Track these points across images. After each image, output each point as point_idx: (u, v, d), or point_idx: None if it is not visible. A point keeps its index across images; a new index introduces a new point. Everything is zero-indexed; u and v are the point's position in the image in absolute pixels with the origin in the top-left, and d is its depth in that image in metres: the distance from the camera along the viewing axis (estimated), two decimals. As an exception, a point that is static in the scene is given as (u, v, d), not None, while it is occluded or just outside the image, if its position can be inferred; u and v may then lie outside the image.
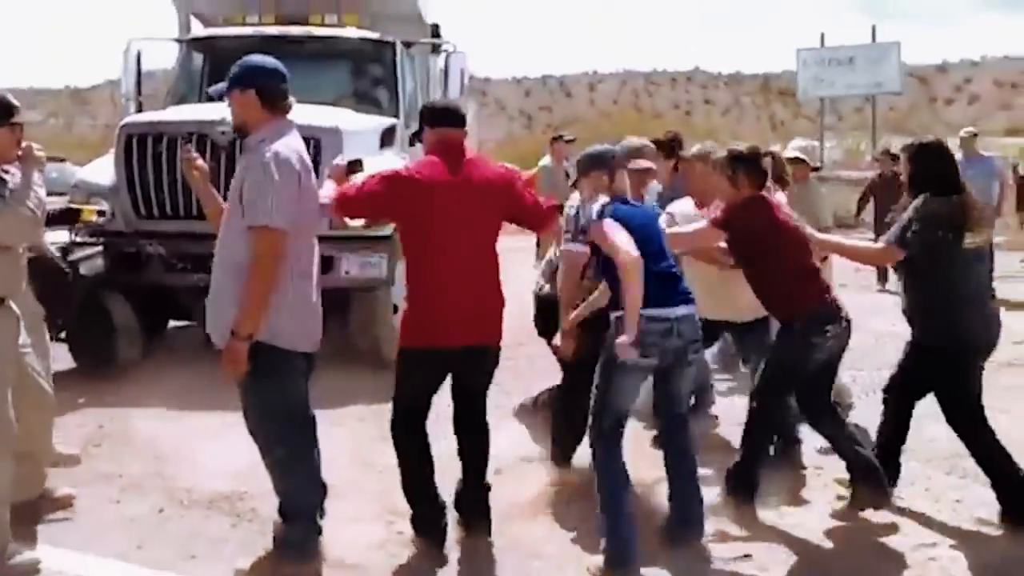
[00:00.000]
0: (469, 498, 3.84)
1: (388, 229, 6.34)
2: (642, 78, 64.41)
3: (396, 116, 7.31)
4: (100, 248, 6.22)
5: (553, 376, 4.86)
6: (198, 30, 8.08)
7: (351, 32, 7.48)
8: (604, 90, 62.43)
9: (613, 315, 3.63)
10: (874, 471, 4.01)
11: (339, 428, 5.09)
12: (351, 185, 3.73)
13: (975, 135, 10.45)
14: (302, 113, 6.53)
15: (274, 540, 3.57)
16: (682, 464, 3.84)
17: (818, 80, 19.95)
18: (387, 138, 7.04)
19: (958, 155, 10.05)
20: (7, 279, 3.55)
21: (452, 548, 3.76)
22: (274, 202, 3.25)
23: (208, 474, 4.56)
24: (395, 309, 6.65)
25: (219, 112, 5.24)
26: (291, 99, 3.52)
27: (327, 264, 6.24)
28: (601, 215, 3.63)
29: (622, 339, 3.45)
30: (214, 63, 7.64)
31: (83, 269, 6.06)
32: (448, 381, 3.81)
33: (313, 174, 3.52)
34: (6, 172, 3.53)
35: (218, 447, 4.68)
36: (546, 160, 9.66)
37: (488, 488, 3.89)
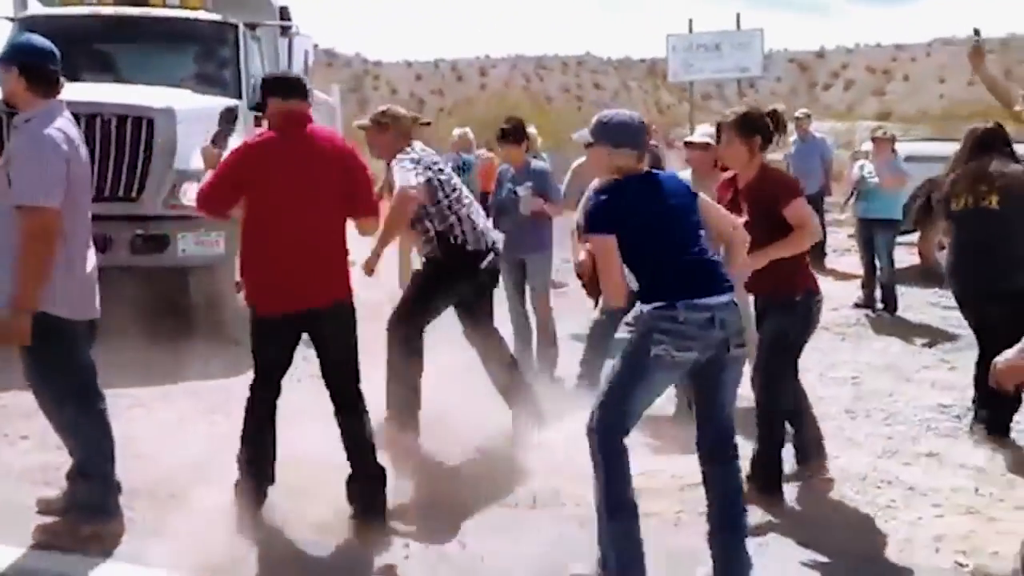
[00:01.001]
0: (360, 489, 3.84)
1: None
2: (533, 62, 65.04)
3: (239, 97, 7.41)
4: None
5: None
6: (35, 8, 7.98)
7: (191, 14, 7.53)
8: (496, 74, 62.82)
9: (644, 308, 3.30)
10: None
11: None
12: (204, 182, 3.89)
13: (808, 116, 11.21)
14: (136, 94, 6.70)
15: (73, 503, 3.73)
16: (729, 511, 3.37)
17: (687, 65, 20.67)
18: (227, 118, 7.12)
19: (793, 136, 10.81)
20: None
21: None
22: (44, 181, 3.37)
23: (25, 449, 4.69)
24: (238, 287, 6.81)
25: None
26: (62, 80, 3.63)
27: (162, 243, 6.39)
28: (593, 223, 3.35)
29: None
30: (52, 43, 7.56)
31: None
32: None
33: (84, 152, 3.64)
34: None
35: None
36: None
37: (382, 473, 3.89)
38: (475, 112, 39.14)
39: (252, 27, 7.77)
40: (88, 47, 7.55)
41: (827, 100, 57.17)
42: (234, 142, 6.85)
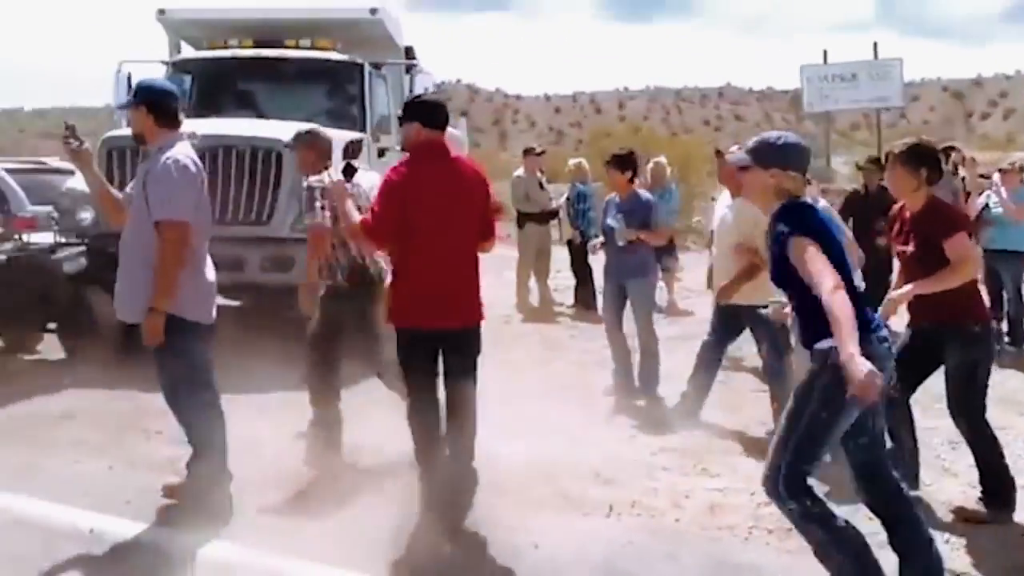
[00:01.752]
0: (457, 482, 4.13)
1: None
2: (672, 95, 64.87)
3: (364, 131, 7.93)
4: (83, 248, 6.90)
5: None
6: (187, 52, 8.81)
7: (321, 54, 8.14)
8: (634, 107, 62.98)
9: (822, 346, 3.06)
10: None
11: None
12: (365, 218, 4.07)
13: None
14: (266, 128, 7.29)
15: (190, 487, 4.18)
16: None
17: (823, 95, 20.33)
18: (351, 150, 7.64)
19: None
20: None
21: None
22: (178, 199, 3.90)
23: (159, 443, 5.22)
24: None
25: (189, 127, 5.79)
26: (181, 115, 4.15)
27: (288, 263, 6.90)
28: (801, 225, 3.09)
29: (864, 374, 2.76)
30: (199, 83, 8.36)
31: (67, 267, 6.76)
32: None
33: (204, 176, 4.13)
34: None
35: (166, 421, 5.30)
36: (520, 171, 10.22)
37: (474, 475, 4.17)
38: (610, 144, 39.36)
39: (377, 66, 8.32)
40: (230, 86, 8.28)
41: (984, 129, 54.44)
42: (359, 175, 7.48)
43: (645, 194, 6.56)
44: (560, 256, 10.51)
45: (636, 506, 4.40)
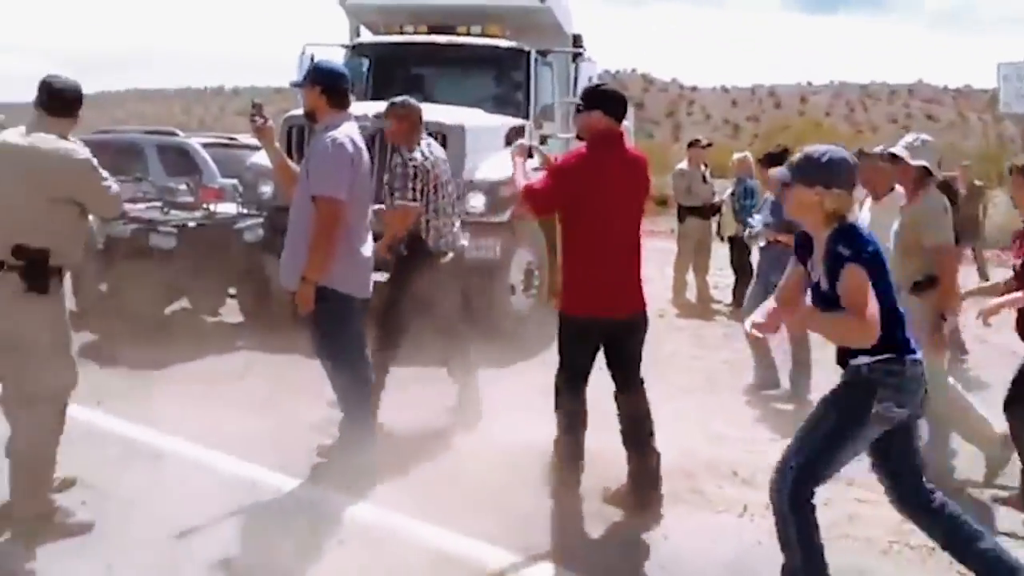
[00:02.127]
0: (637, 469, 4.16)
1: (505, 215, 7.14)
2: (858, 90, 61.90)
3: (527, 118, 8.08)
4: (261, 219, 7.39)
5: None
6: (365, 37, 9.22)
7: (489, 41, 8.33)
8: (816, 102, 60.55)
9: (858, 362, 3.10)
10: None
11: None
12: (533, 181, 4.11)
13: None
14: (433, 111, 7.54)
15: (341, 446, 4.46)
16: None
17: (1019, 95, 18.94)
18: (513, 137, 7.82)
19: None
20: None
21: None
22: (334, 177, 4.12)
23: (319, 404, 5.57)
24: (512, 290, 7.45)
25: (362, 108, 6.08)
26: (351, 96, 4.38)
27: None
28: (858, 253, 3.00)
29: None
30: (375, 66, 8.74)
31: (247, 236, 7.26)
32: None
33: (366, 156, 4.34)
34: None
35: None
36: (683, 164, 10.10)
37: (657, 456, 4.20)
38: (788, 139, 38.07)
39: (543, 53, 8.43)
40: (404, 70, 8.62)
41: None
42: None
43: None
44: (721, 252, 10.33)
45: (771, 508, 4.32)
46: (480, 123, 7.44)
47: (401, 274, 5.20)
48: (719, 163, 12.05)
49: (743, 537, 4.01)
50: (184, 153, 10.52)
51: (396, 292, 5.17)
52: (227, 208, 7.62)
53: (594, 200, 3.95)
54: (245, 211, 7.54)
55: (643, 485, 4.15)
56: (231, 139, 11.89)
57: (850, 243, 3.01)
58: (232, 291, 7.73)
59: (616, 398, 4.21)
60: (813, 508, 3.18)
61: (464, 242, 5.65)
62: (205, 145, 10.80)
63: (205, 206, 7.47)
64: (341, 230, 4.18)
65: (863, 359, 3.05)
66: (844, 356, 3.17)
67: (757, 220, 6.14)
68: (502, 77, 8.47)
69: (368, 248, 4.41)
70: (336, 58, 8.56)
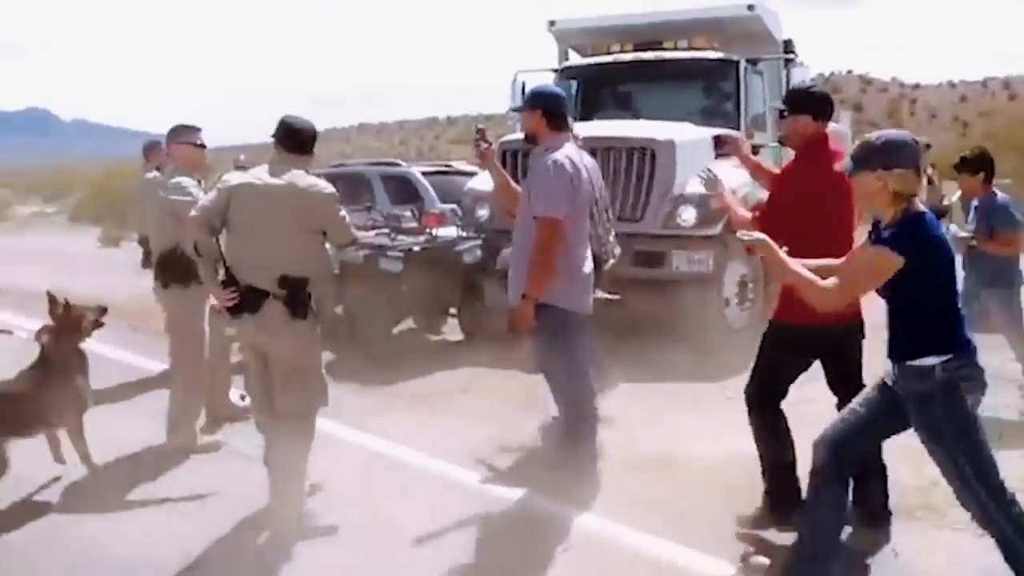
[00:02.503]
0: (863, 489, 3.90)
1: (716, 229, 7.09)
2: (1120, 77, 55.83)
3: (738, 128, 7.98)
4: (479, 242, 7.73)
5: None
6: (573, 60, 9.44)
7: (697, 54, 8.29)
8: (1062, 93, 55.13)
9: (925, 363, 3.06)
10: None
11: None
12: (759, 214, 4.01)
13: None
14: (642, 128, 7.62)
15: (562, 452, 4.62)
16: None
17: None
18: (718, 145, 7.75)
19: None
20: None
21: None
22: (553, 197, 4.26)
23: (539, 417, 5.76)
24: (726, 303, 7.37)
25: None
26: (569, 118, 4.51)
27: (660, 259, 7.19)
28: (898, 241, 3.04)
29: None
30: (583, 87, 8.93)
31: (466, 258, 7.62)
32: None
33: (586, 176, 4.45)
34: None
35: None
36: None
37: (883, 469, 3.98)
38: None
39: (753, 62, 8.30)
40: (611, 89, 8.75)
41: None
42: (725, 169, 7.57)
43: (1003, 197, 5.95)
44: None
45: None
46: (690, 137, 7.43)
47: None
48: (947, 164, 11.29)
49: (980, 559, 3.76)
50: (406, 182, 11.19)
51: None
52: (448, 232, 8.04)
53: (812, 209, 3.84)
54: (464, 234, 7.91)
55: (870, 500, 4.00)
56: (447, 166, 12.52)
57: (902, 229, 3.02)
58: (453, 311, 8.13)
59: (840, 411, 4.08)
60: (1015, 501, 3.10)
61: (617, 250, 5.65)
62: (424, 173, 11.44)
63: (428, 231, 7.91)
64: (561, 248, 4.31)
65: (933, 359, 3.03)
66: (903, 352, 3.13)
67: (954, 228, 5.78)
68: (711, 89, 8.41)
69: (588, 265, 4.52)
70: (547, 82, 8.84)
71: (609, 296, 5.56)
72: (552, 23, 9.44)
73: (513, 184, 4.91)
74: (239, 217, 4.05)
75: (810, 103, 3.96)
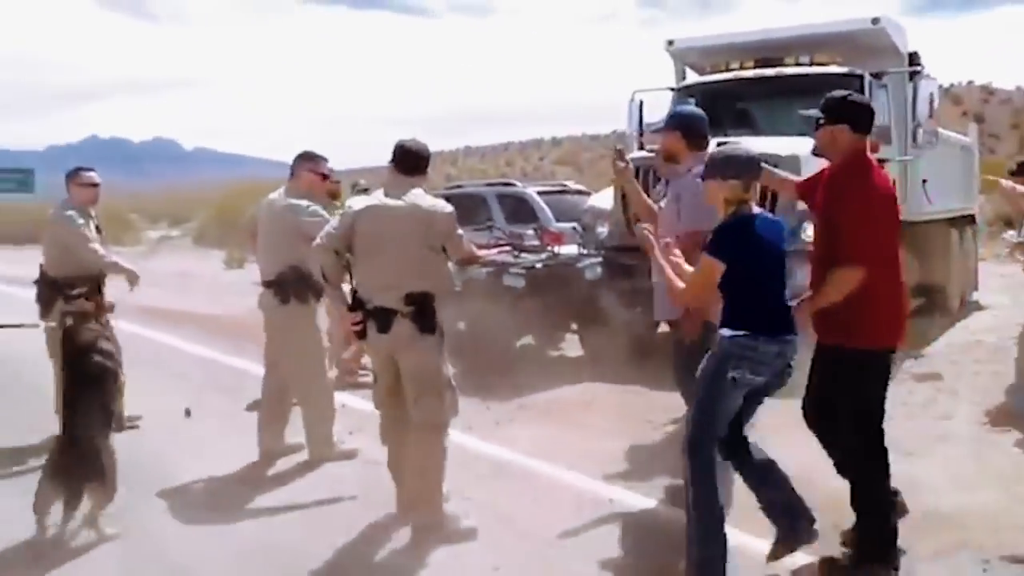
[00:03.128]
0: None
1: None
2: None
3: (862, 142, 7.85)
4: (600, 259, 7.82)
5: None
6: (691, 78, 9.45)
7: (820, 69, 8.19)
8: None
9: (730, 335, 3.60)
10: None
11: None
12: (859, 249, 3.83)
13: None
14: (764, 144, 7.57)
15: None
16: None
17: None
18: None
19: None
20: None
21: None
22: (704, 214, 4.26)
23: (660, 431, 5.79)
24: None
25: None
26: (708, 137, 4.55)
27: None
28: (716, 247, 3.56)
29: None
30: (702, 105, 8.89)
31: (587, 275, 7.72)
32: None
33: None
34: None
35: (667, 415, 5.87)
36: (1007, 182, 9.18)
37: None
38: None
39: (878, 76, 8.15)
40: (731, 106, 8.72)
41: None
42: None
43: None
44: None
45: None
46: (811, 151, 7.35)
47: None
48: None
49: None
50: (522, 201, 11.39)
51: None
52: (569, 249, 8.16)
53: (879, 224, 3.74)
54: (585, 251, 8.02)
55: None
56: (562, 186, 12.68)
57: (717, 233, 3.59)
58: (573, 326, 8.24)
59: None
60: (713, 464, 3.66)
61: None
62: (540, 193, 11.63)
63: (549, 248, 8.05)
64: None
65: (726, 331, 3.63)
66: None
67: (1011, 234, 5.54)
68: (833, 104, 8.28)
69: None
70: (663, 102, 8.89)
71: None
72: (670, 42, 9.47)
73: (647, 199, 4.97)
74: (365, 240, 4.28)
75: (848, 112, 3.83)
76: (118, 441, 4.55)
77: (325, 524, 4.53)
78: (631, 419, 6.20)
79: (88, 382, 4.48)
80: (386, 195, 4.33)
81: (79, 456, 4.24)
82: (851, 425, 3.81)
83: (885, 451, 3.82)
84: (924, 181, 8.94)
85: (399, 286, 4.22)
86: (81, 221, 5.99)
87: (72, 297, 4.73)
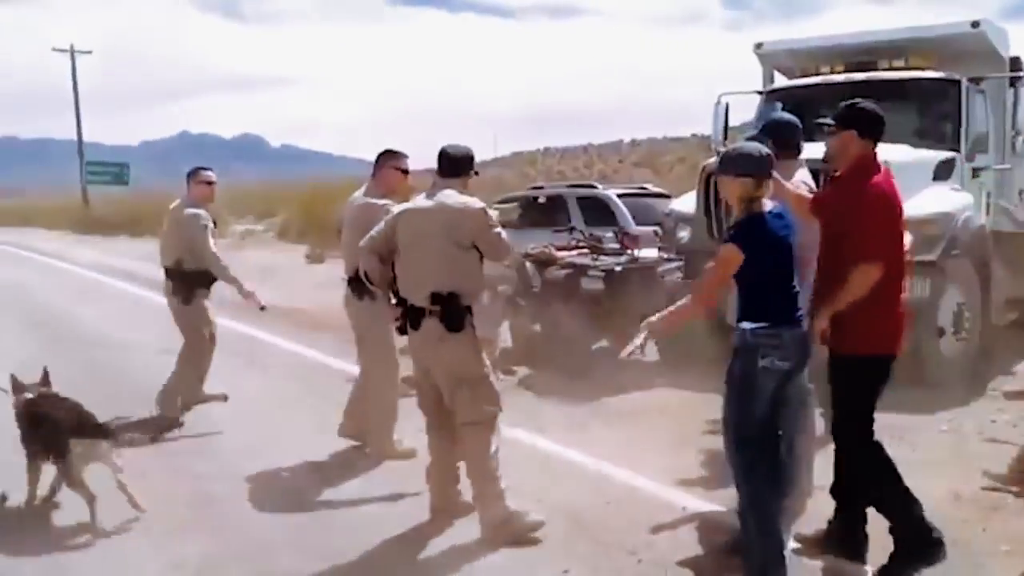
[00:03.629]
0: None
1: (934, 254, 6.77)
2: None
3: (956, 150, 7.60)
4: (680, 263, 7.72)
5: None
6: (779, 82, 9.26)
7: (912, 73, 7.94)
8: None
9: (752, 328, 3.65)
10: None
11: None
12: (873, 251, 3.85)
13: None
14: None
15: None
16: None
17: None
18: (942, 170, 7.40)
19: None
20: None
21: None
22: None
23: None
24: (940, 332, 7.00)
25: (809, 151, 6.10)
26: (801, 143, 4.50)
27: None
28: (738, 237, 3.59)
29: None
30: (792, 109, 8.71)
31: (667, 279, 7.64)
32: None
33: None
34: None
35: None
36: None
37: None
38: None
39: (976, 81, 7.86)
40: (818, 111, 8.51)
41: None
42: (940, 191, 7.20)
43: None
44: None
45: None
46: (906, 158, 7.12)
47: None
48: None
49: None
50: (602, 203, 11.33)
51: None
52: (649, 253, 8.09)
53: (893, 230, 3.76)
54: (665, 255, 7.93)
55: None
56: (643, 188, 12.58)
57: (739, 229, 3.61)
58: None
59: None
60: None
61: None
62: (620, 196, 11.55)
63: (629, 251, 7.99)
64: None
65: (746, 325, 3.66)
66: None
67: None
68: (927, 109, 8.01)
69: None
70: (751, 105, 8.75)
71: None
72: (759, 45, 9.31)
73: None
74: (402, 241, 4.37)
75: (856, 118, 3.84)
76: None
77: (390, 521, 4.59)
78: (706, 425, 6.10)
79: None
80: (427, 198, 4.41)
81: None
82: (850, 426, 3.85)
83: (881, 447, 3.85)
84: (1021, 192, 8.62)
85: (424, 284, 4.30)
86: (205, 222, 6.31)
87: None
